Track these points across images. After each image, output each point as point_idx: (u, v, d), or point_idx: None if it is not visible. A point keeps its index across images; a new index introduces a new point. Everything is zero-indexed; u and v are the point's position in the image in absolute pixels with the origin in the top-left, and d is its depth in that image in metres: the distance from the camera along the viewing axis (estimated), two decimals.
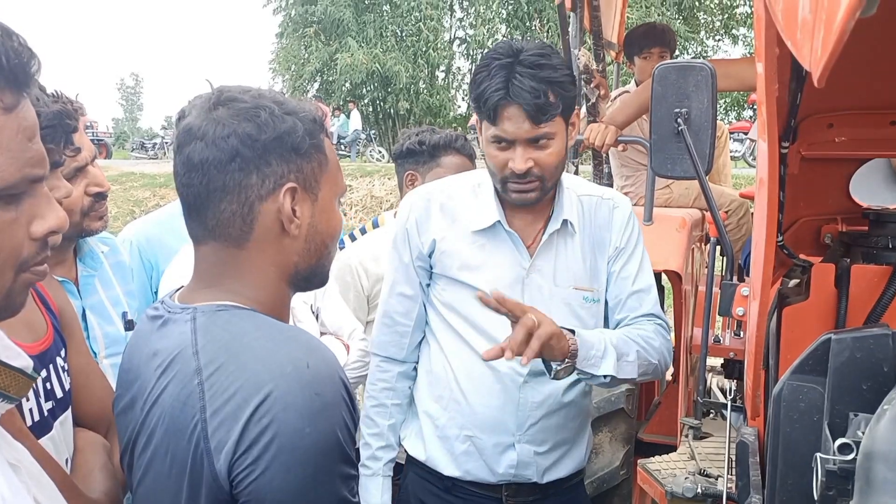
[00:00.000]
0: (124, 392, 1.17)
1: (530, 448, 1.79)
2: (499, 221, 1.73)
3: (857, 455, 0.81)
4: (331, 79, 24.08)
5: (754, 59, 1.32)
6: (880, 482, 0.71)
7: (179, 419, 1.03)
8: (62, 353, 1.38)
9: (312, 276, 1.17)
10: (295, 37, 24.58)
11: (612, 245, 1.80)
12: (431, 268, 1.82)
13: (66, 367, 1.38)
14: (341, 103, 22.94)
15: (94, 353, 1.75)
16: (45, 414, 1.28)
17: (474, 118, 2.29)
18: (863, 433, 0.84)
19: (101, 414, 1.46)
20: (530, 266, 1.74)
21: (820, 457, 0.84)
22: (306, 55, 24.20)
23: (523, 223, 1.77)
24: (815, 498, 0.85)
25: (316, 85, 25.04)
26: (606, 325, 1.85)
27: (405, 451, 1.94)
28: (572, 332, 1.59)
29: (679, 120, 2.07)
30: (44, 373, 1.30)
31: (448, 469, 1.83)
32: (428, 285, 1.84)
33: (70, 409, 1.38)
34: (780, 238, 1.78)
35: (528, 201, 1.69)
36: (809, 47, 0.69)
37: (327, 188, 1.12)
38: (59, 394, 1.33)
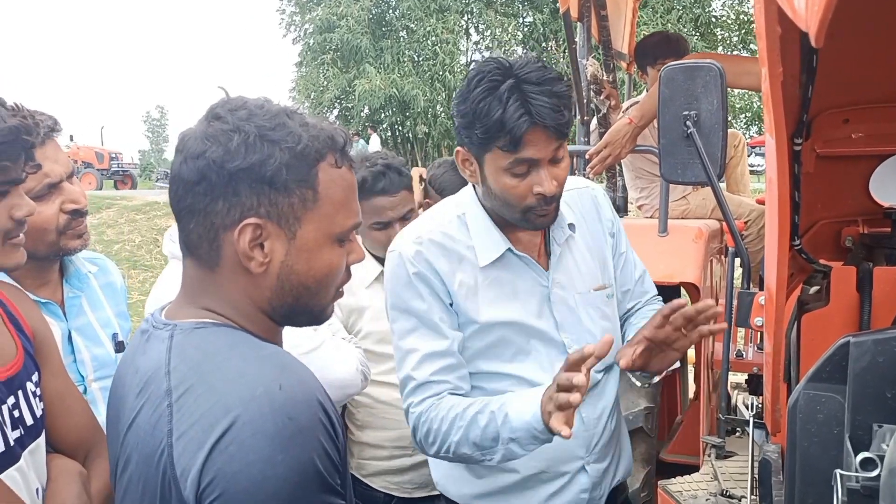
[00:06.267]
0: (113, 411, 1.13)
1: (599, 467, 1.72)
2: (510, 249, 1.63)
3: (881, 471, 0.71)
4: (349, 105, 24.31)
5: None
6: None
7: (150, 443, 0.98)
8: (34, 377, 1.32)
9: (294, 315, 1.09)
10: (314, 65, 24.88)
11: (607, 232, 1.77)
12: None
13: (39, 393, 1.32)
14: (360, 129, 23.12)
15: (82, 377, 1.69)
16: (12, 444, 1.22)
17: (461, 151, 1.94)
18: (887, 446, 0.74)
19: (79, 439, 1.40)
20: (551, 282, 1.66)
21: (840, 473, 0.75)
22: (325, 82, 24.49)
23: (525, 239, 1.68)
24: None
25: (335, 111, 25.29)
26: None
27: (445, 495, 1.79)
28: None
29: (688, 123, 1.98)
30: (11, 399, 1.24)
31: None
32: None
33: (42, 437, 1.31)
34: (798, 242, 1.69)
35: (549, 223, 1.62)
36: (805, 4, 0.61)
37: (312, 227, 1.03)
38: (28, 421, 1.27)
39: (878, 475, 0.74)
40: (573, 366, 1.34)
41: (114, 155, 24.24)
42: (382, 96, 22.70)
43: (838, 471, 0.76)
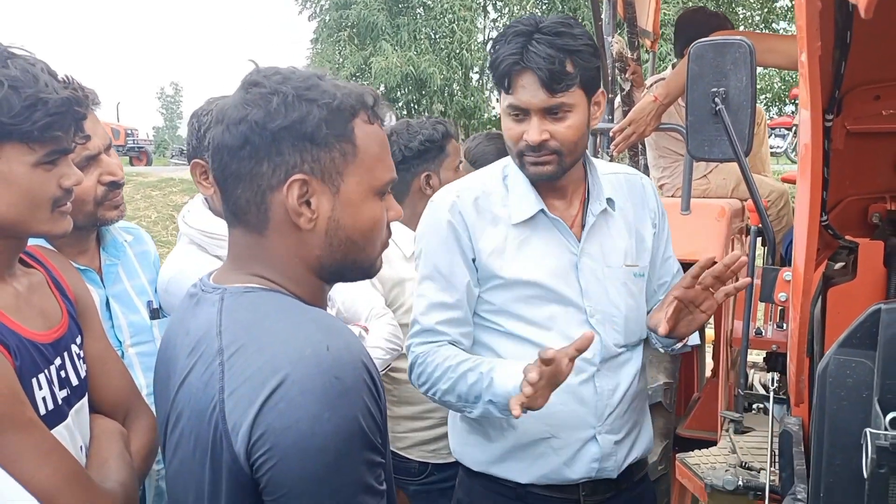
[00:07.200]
0: (162, 371, 1.17)
1: (611, 438, 1.74)
2: (542, 210, 1.67)
3: None
4: (365, 82, 24.17)
5: None
6: None
7: (202, 400, 1.02)
8: (78, 340, 1.36)
9: (343, 271, 1.13)
10: (329, 42, 24.73)
11: (653, 220, 1.80)
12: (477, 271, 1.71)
13: (82, 355, 1.36)
14: None
15: (119, 342, 1.74)
16: (60, 402, 1.27)
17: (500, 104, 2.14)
18: None
19: (118, 400, 1.44)
20: (581, 250, 1.70)
21: (870, 432, 0.77)
22: (341, 59, 24.35)
23: (561, 207, 1.72)
24: (865, 477, 0.78)
25: None
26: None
27: (461, 462, 1.83)
28: None
29: (716, 100, 1.98)
30: (58, 360, 1.28)
31: (523, 476, 1.73)
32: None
33: (86, 397, 1.36)
34: (825, 218, 1.70)
35: (545, 175, 1.65)
36: None
37: (354, 180, 1.07)
38: (74, 381, 1.32)
39: None
40: (543, 363, 1.39)
41: (130, 131, 24.17)
42: (399, 74, 22.54)
43: (868, 429, 0.79)
